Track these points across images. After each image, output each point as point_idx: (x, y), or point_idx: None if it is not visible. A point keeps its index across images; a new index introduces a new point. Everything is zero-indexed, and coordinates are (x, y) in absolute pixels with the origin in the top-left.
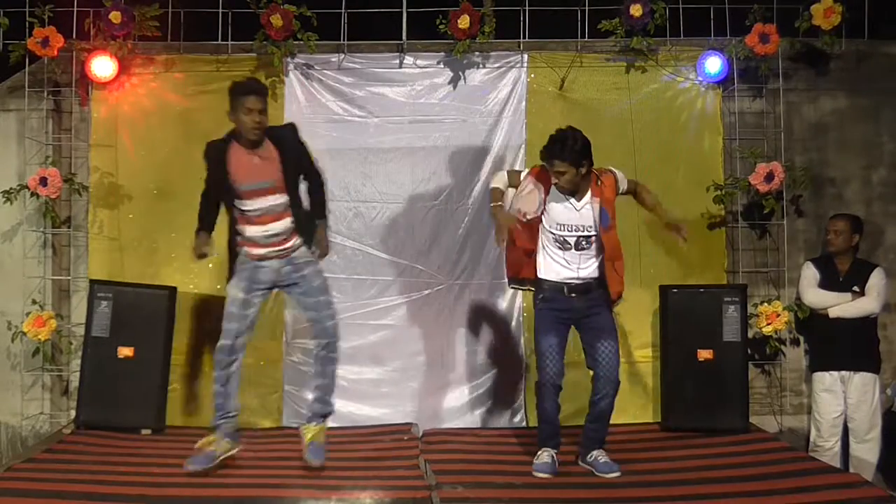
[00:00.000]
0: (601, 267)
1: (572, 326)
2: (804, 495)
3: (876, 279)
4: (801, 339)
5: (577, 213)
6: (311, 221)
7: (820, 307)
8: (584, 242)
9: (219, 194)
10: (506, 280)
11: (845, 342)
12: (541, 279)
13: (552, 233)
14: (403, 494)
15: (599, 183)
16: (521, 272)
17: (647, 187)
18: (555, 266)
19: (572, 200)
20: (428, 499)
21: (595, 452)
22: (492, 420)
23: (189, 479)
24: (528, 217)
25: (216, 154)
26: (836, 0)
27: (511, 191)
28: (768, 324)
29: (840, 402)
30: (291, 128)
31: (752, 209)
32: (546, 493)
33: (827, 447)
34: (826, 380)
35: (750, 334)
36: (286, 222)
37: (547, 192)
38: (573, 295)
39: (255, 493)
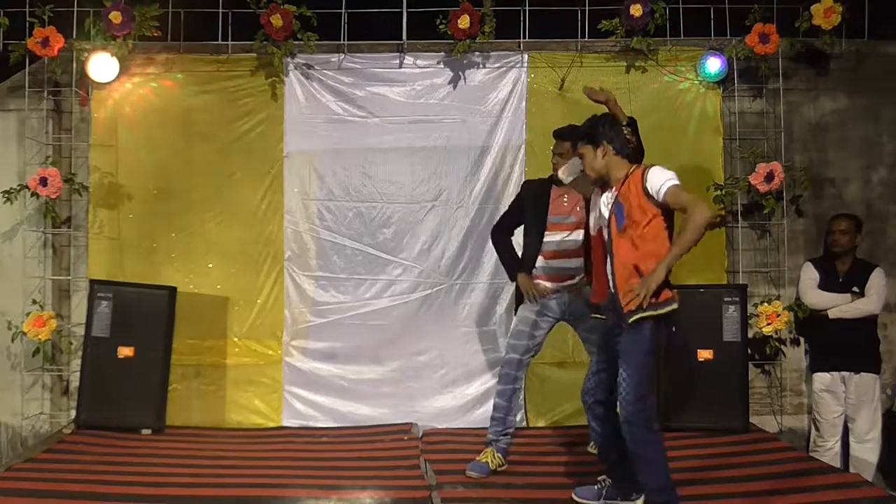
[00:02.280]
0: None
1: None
2: (804, 495)
3: (876, 279)
4: (801, 339)
5: (606, 210)
6: None
7: (820, 308)
8: None
9: (531, 223)
10: (505, 280)
11: (845, 343)
12: None
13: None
14: (403, 494)
15: (627, 178)
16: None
17: (691, 220)
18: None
19: (605, 196)
20: (428, 499)
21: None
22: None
23: (189, 479)
24: (599, 230)
25: (539, 188)
26: (836, 0)
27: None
28: (768, 324)
29: (840, 403)
30: None
31: (752, 209)
32: (546, 493)
33: (827, 447)
34: (826, 380)
35: (750, 334)
36: (577, 261)
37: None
38: (609, 308)
39: (255, 493)
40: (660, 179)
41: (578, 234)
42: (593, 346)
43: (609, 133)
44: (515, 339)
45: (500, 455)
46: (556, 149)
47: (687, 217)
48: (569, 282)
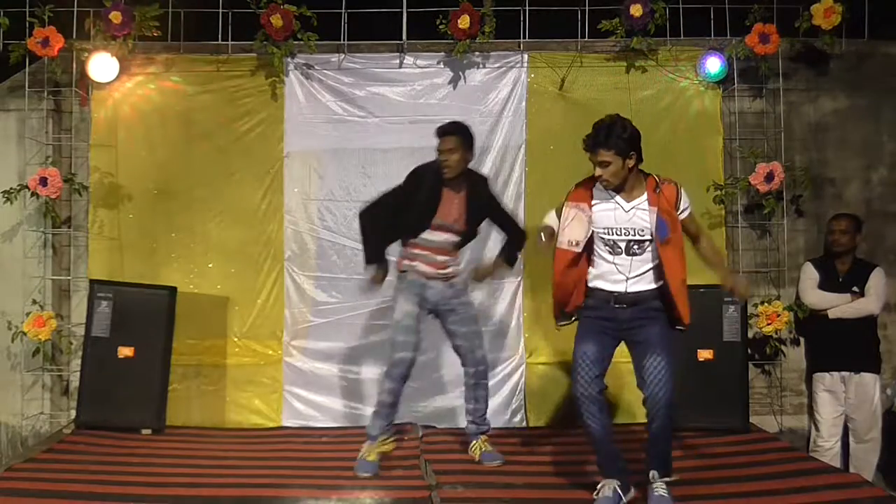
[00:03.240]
0: (661, 282)
1: (622, 343)
2: (804, 495)
3: (875, 279)
4: (801, 339)
5: (626, 215)
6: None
7: (820, 308)
8: (635, 247)
9: (413, 215)
10: (506, 280)
11: (845, 343)
12: (589, 288)
13: (602, 237)
14: (403, 494)
15: (658, 190)
16: (571, 304)
17: (708, 237)
18: (604, 273)
19: (619, 200)
20: (428, 499)
21: (654, 475)
22: (491, 420)
23: (189, 479)
24: (581, 245)
25: (432, 179)
26: (836, 0)
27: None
28: (768, 324)
29: (840, 403)
30: (483, 179)
31: (752, 209)
32: (546, 493)
33: (827, 447)
34: (826, 380)
35: (750, 334)
36: (451, 258)
37: (590, 205)
38: (621, 305)
39: (255, 493)
40: (687, 201)
41: (456, 238)
42: (460, 340)
43: (638, 144)
44: (404, 336)
45: (386, 444)
46: (441, 146)
47: (707, 243)
48: (442, 270)
